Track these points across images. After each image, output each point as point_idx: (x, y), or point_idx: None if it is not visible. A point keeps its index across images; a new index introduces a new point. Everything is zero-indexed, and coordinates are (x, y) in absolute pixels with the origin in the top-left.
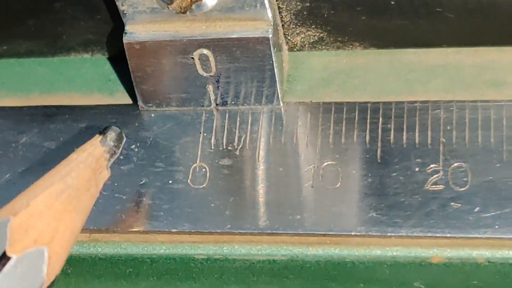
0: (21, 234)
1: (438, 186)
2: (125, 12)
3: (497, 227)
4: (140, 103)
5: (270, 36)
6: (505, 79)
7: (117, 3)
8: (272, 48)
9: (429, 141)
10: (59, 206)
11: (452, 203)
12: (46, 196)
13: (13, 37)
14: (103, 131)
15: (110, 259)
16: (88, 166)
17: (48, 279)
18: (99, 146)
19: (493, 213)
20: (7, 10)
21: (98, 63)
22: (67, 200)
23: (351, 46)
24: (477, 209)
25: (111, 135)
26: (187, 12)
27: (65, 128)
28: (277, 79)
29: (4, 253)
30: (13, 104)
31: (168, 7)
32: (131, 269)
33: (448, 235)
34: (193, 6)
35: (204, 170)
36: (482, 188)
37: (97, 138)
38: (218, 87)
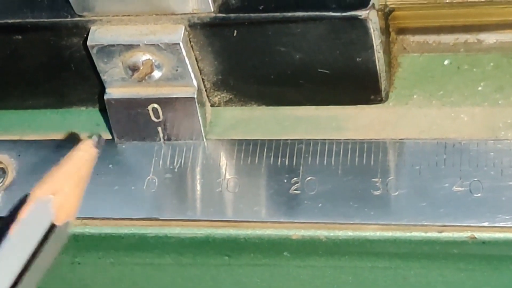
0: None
1: (297, 191)
2: (105, 80)
3: (333, 215)
4: (115, 138)
5: (195, 96)
6: (344, 126)
7: (100, 75)
8: (197, 104)
9: (294, 163)
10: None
11: (305, 201)
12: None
13: (36, 96)
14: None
15: (92, 236)
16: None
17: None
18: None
19: (330, 207)
20: (32, 79)
21: (90, 113)
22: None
23: (249, 104)
24: (320, 205)
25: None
26: (143, 81)
27: (69, 152)
28: (201, 124)
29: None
30: (35, 138)
31: (131, 77)
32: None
33: (302, 220)
34: (146, 77)
35: (154, 180)
36: (324, 192)
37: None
38: (165, 128)
